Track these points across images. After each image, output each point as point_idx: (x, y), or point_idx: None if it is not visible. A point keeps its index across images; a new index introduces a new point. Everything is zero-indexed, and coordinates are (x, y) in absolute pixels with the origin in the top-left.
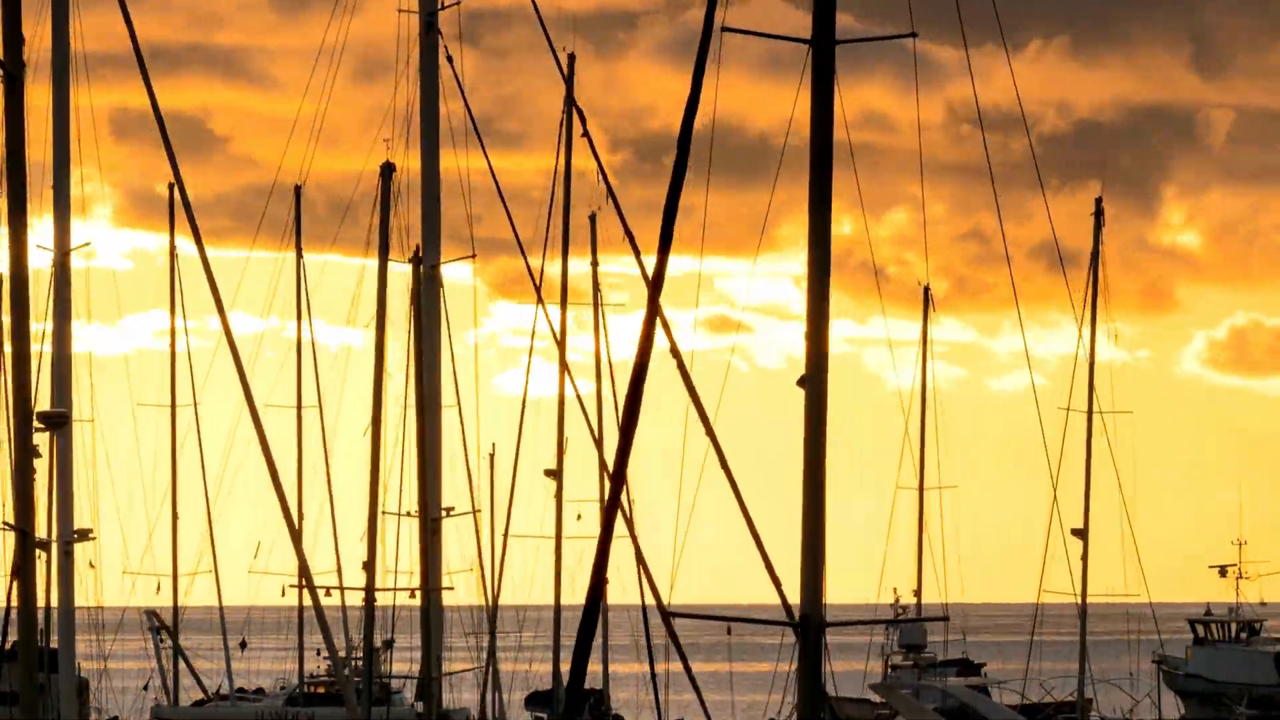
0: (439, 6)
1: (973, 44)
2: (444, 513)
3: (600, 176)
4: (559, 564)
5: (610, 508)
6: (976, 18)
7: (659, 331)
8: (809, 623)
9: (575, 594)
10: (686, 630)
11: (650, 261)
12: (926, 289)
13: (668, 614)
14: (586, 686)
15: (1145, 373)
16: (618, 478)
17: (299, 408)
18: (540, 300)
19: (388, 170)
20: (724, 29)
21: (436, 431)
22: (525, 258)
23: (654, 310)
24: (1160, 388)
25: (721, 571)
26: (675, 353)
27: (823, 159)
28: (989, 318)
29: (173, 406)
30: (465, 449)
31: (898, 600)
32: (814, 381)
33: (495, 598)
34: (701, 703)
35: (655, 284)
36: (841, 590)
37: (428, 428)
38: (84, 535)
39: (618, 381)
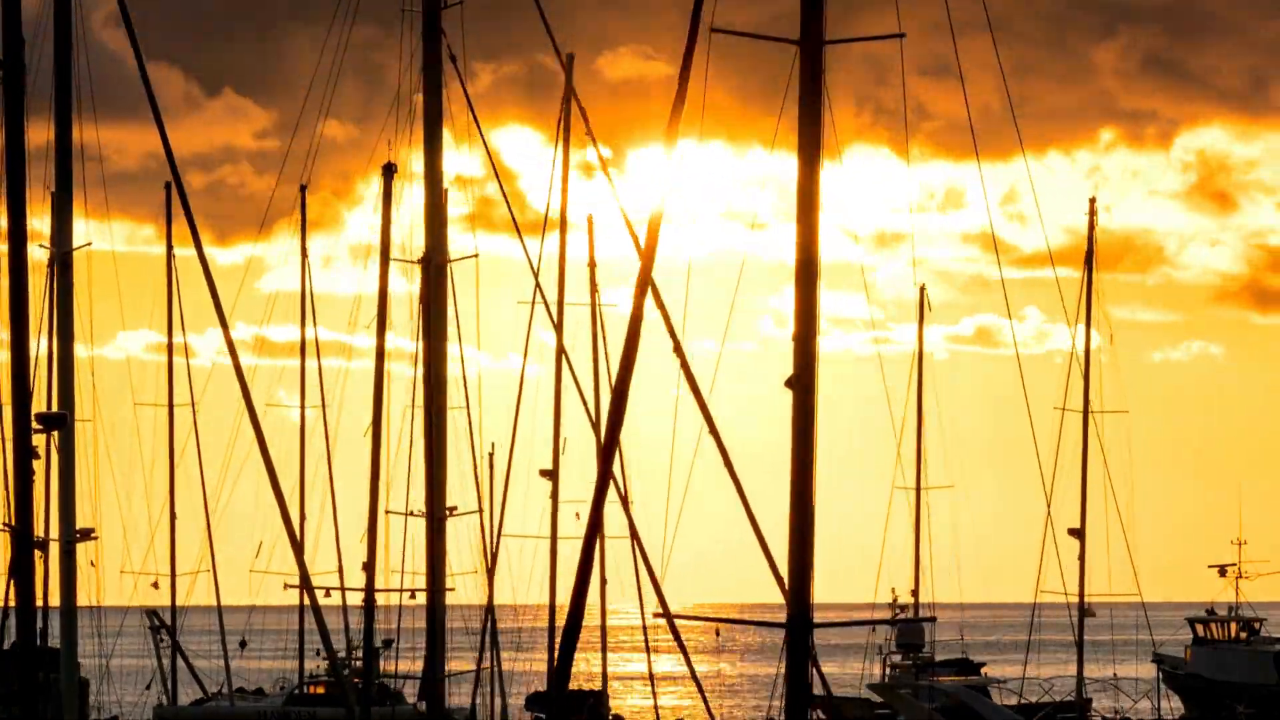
0: (442, 5)
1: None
2: (447, 512)
3: (604, 174)
4: (554, 564)
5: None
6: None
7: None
8: (796, 623)
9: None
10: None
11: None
12: (922, 289)
13: (667, 615)
14: (586, 688)
15: (1142, 371)
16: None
17: (302, 408)
18: (545, 299)
19: (389, 171)
20: (712, 29)
21: (442, 431)
22: (530, 258)
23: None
24: (1158, 387)
25: (727, 570)
26: (678, 350)
27: (811, 160)
28: (984, 317)
29: (170, 406)
30: (473, 449)
31: (895, 600)
32: (802, 382)
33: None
34: (705, 702)
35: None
36: (839, 590)
37: (433, 427)
38: (86, 535)
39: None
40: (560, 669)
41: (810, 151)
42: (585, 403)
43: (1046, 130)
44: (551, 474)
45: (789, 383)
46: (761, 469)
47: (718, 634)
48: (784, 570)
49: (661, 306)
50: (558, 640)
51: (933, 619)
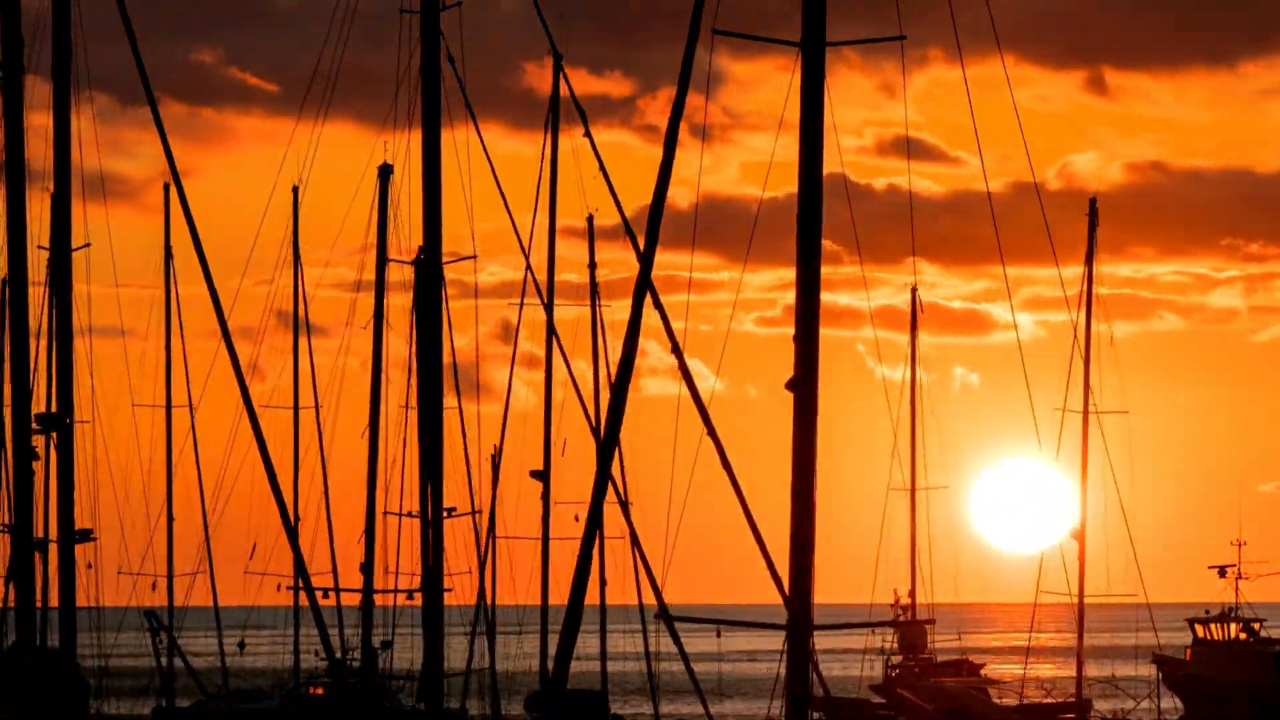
0: (441, 6)
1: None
2: (445, 513)
3: (603, 176)
4: (545, 565)
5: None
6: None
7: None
8: (797, 625)
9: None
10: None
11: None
12: (914, 290)
13: (670, 617)
14: (586, 687)
15: (1144, 372)
16: None
17: (295, 409)
18: (545, 301)
19: (386, 172)
20: (714, 31)
21: (439, 432)
22: (528, 260)
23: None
24: (1158, 387)
25: (728, 570)
26: (676, 350)
27: (812, 161)
28: (983, 315)
29: (168, 407)
30: (465, 450)
31: (898, 601)
32: (803, 384)
33: (492, 598)
34: (703, 702)
35: (641, 279)
36: (837, 591)
37: (430, 428)
38: (85, 536)
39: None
40: (558, 669)
41: (812, 155)
42: (584, 404)
43: None
44: (543, 475)
45: (790, 384)
46: (767, 469)
47: (718, 634)
48: (783, 572)
49: (660, 309)
50: (556, 642)
51: (931, 620)
